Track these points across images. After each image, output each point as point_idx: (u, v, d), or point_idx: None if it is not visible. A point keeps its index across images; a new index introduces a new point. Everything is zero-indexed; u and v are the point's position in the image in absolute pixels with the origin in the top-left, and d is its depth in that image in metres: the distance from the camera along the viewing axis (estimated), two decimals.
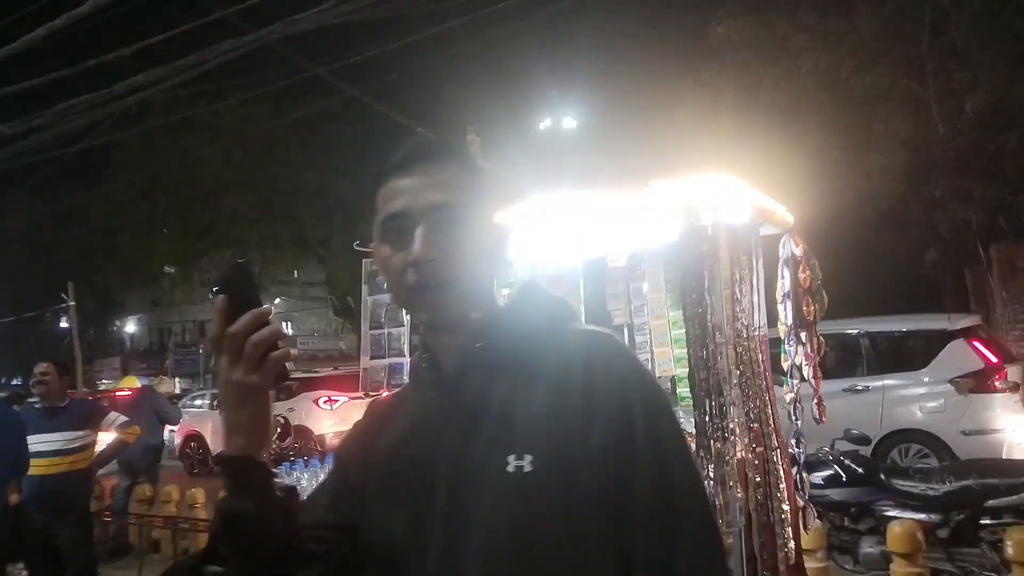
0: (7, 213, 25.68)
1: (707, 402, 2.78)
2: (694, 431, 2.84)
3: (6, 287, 32.70)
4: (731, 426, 2.83)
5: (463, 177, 1.13)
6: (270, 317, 1.01)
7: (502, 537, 1.00)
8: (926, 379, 7.70)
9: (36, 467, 4.68)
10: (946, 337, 7.73)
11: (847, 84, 12.08)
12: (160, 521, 7.31)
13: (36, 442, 4.71)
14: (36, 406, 5.00)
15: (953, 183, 12.59)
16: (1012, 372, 7.49)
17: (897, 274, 17.40)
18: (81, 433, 4.90)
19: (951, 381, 7.45)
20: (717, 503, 2.73)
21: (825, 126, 12.48)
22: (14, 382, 25.89)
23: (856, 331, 8.59)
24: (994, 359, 7.48)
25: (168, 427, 9.09)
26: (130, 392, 9.64)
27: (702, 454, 2.77)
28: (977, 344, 7.60)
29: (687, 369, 3.11)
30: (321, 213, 28.01)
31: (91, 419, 5.13)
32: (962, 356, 7.51)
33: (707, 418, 2.76)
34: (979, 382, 7.34)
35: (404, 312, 3.86)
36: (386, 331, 3.86)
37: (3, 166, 10.00)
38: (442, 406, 1.11)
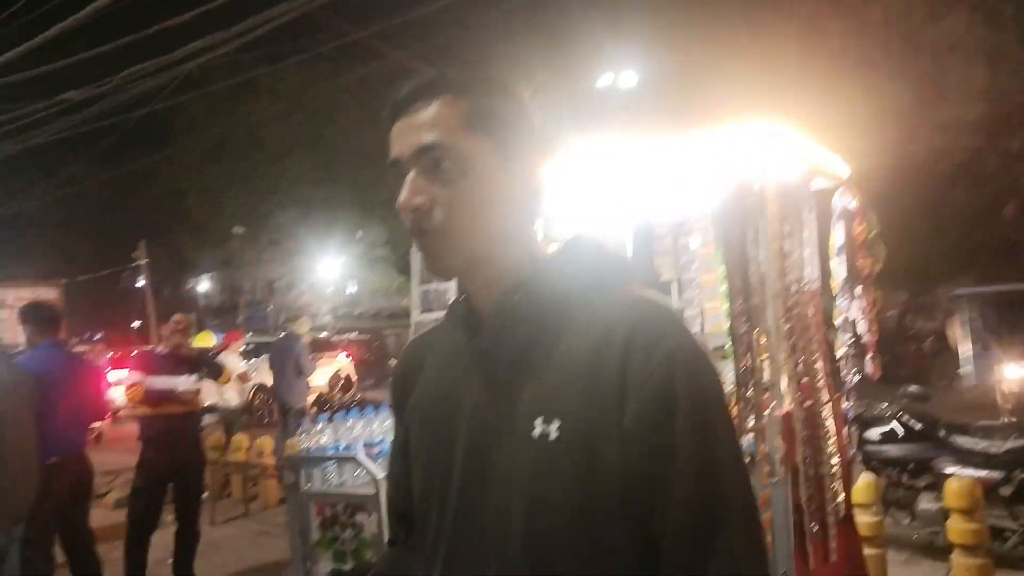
0: (81, 177, 26.69)
1: (748, 355, 2.77)
2: (734, 382, 2.84)
3: (85, 246, 34.12)
4: (769, 378, 2.82)
5: (457, 113, 1.02)
6: None
7: (517, 502, 0.96)
8: None
9: (162, 407, 5.05)
10: None
11: (918, 33, 11.56)
12: (232, 467, 7.75)
13: (162, 384, 5.08)
14: (159, 352, 5.37)
15: None
16: None
17: (972, 231, 16.76)
18: (195, 378, 5.29)
19: None
20: (755, 454, 2.74)
21: (895, 77, 12.00)
22: (95, 337, 27.15)
23: None
24: None
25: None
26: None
27: (741, 405, 2.78)
28: None
29: None
30: (381, 173, 28.18)
31: (207, 367, 5.61)
32: None
33: (747, 370, 2.75)
34: None
35: None
36: (434, 286, 3.93)
37: (74, 131, 10.36)
38: (473, 356, 1.06)
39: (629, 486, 0.92)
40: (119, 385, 13.08)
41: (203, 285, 45.60)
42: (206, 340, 10.58)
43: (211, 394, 7.76)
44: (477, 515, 1.00)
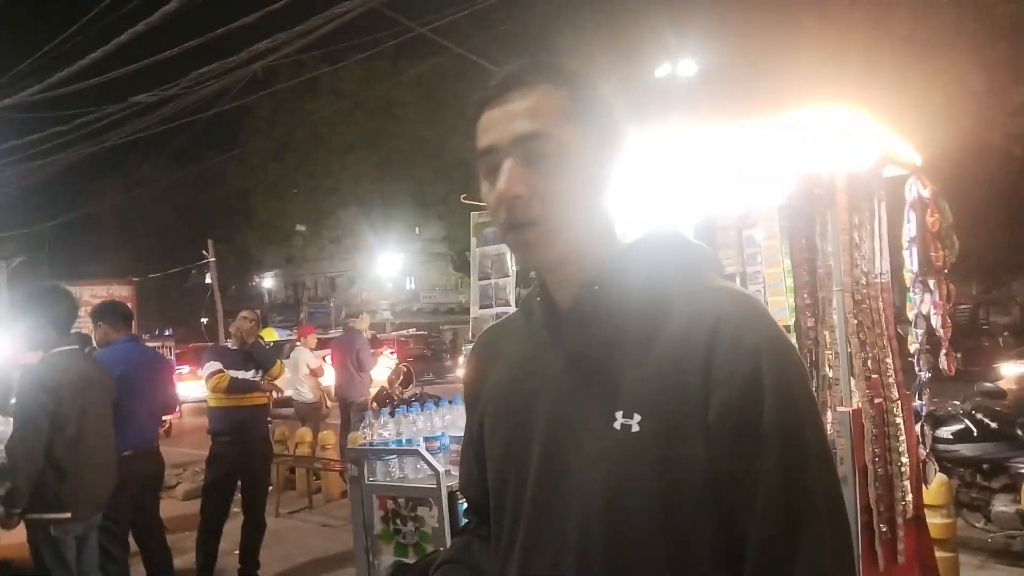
0: (151, 177, 27.61)
1: (814, 350, 2.70)
2: None
3: (155, 244, 35.33)
4: (834, 375, 2.74)
5: (557, 103, 1.00)
6: None
7: (598, 495, 0.95)
8: None
9: (231, 400, 5.18)
10: None
11: (993, 13, 11.09)
12: (296, 460, 7.94)
13: (240, 375, 5.25)
14: (229, 346, 5.52)
15: None
16: None
17: None
18: (262, 372, 5.40)
19: None
20: None
21: (967, 60, 11.54)
22: (165, 332, 28.08)
23: None
24: None
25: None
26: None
27: None
28: None
29: None
30: (439, 171, 28.54)
31: (272, 362, 5.66)
32: None
33: (812, 366, 2.68)
34: None
35: (510, 262, 3.92)
36: (493, 282, 3.93)
37: (145, 133, 10.69)
38: (552, 347, 1.04)
39: (714, 481, 0.91)
40: (188, 380, 13.53)
41: (267, 282, 46.77)
42: (270, 336, 10.87)
43: (288, 388, 7.92)
44: (555, 507, 0.99)
